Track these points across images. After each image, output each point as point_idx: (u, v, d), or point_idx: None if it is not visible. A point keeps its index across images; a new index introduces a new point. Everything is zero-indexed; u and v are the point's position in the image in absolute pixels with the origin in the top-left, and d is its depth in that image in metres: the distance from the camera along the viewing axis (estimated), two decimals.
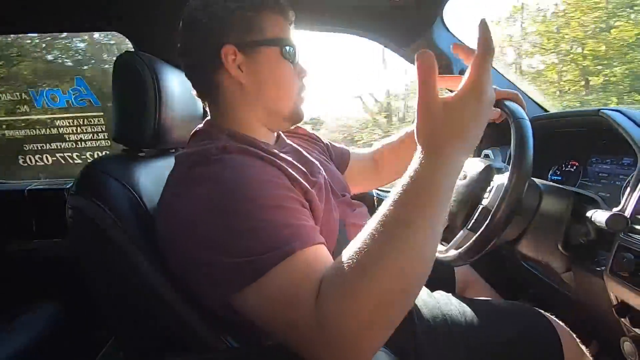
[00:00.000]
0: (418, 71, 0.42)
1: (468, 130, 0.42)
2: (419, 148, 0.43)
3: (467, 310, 0.72)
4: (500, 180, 0.69)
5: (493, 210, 0.63)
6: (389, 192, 1.41)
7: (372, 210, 1.42)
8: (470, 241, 0.66)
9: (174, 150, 0.81)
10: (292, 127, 0.72)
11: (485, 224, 0.64)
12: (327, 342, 0.39)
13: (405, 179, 0.41)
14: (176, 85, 0.72)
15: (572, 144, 0.96)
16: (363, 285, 0.38)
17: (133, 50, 1.14)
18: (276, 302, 0.43)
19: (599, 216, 0.62)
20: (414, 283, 0.40)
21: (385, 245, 0.39)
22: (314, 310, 0.40)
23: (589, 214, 0.65)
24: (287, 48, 0.62)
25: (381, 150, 0.98)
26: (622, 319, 0.65)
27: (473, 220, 0.70)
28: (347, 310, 0.38)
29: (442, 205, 0.41)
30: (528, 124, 0.63)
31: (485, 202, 0.69)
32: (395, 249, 0.38)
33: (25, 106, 1.85)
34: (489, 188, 0.71)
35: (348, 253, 0.41)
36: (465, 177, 0.79)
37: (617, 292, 0.63)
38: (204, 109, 0.84)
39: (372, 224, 0.41)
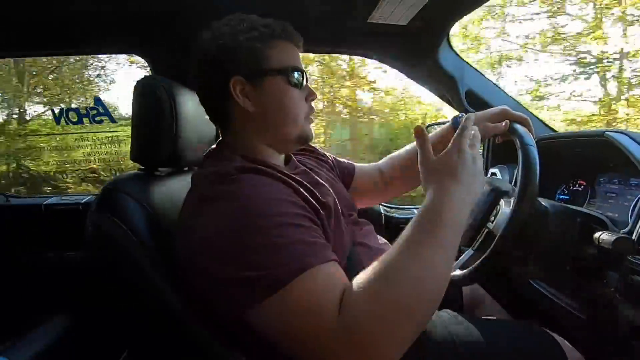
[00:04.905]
0: (416, 141, 0.61)
1: (457, 174, 0.54)
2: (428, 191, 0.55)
3: (475, 329, 0.71)
4: (506, 205, 0.70)
5: (497, 236, 0.64)
6: (396, 208, 1.43)
7: (379, 227, 1.43)
8: (476, 264, 0.67)
9: (187, 169, 0.84)
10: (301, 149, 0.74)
11: (490, 249, 0.64)
12: (351, 349, 0.42)
13: (420, 208, 0.52)
14: (192, 108, 0.75)
15: (580, 164, 0.96)
16: (387, 291, 0.44)
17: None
18: (296, 314, 0.45)
19: (606, 238, 0.62)
20: (430, 294, 0.46)
21: (406, 259, 0.46)
22: (337, 320, 0.43)
23: (596, 235, 0.65)
24: (295, 75, 0.63)
25: (389, 163, 0.98)
26: (634, 342, 0.64)
27: (479, 242, 0.71)
28: (373, 314, 0.43)
29: (449, 231, 0.50)
30: (535, 152, 0.64)
31: (490, 226, 0.70)
32: (414, 263, 0.46)
33: None
34: (494, 212, 0.72)
35: (372, 267, 0.47)
36: None
37: (628, 314, 0.62)
38: (217, 130, 0.87)
39: (395, 244, 0.49)
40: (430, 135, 0.91)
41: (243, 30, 0.62)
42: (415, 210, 1.39)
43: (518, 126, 0.74)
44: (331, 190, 0.68)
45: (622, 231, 0.65)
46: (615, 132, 0.76)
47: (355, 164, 0.98)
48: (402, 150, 0.96)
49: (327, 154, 0.93)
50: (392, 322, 0.43)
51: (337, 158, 0.95)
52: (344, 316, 0.43)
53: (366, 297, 0.44)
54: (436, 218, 0.50)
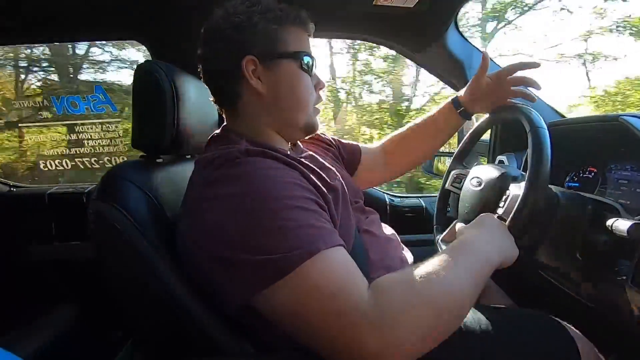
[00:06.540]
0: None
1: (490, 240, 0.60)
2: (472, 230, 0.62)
3: (483, 318, 0.71)
4: (516, 190, 0.68)
5: (507, 221, 0.62)
6: (400, 197, 1.42)
7: (384, 215, 1.43)
8: None
9: (189, 157, 0.83)
10: (307, 138, 0.73)
11: None
12: (379, 329, 0.43)
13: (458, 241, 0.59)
14: (193, 93, 0.73)
15: (590, 150, 0.94)
16: (421, 285, 0.47)
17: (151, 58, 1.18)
18: (312, 297, 0.45)
19: (620, 225, 0.61)
20: (455, 302, 0.49)
21: (439, 267, 0.49)
22: (366, 301, 0.44)
23: (609, 222, 0.63)
24: (306, 60, 0.63)
25: (392, 141, 0.99)
26: None
27: None
28: (405, 300, 0.45)
29: (478, 259, 0.55)
30: (546, 133, 0.62)
31: (500, 211, 0.69)
32: (445, 270, 0.49)
33: None
34: (504, 197, 0.71)
35: (417, 270, 0.49)
36: (480, 184, 0.78)
37: (639, 303, 0.61)
38: (219, 115, 0.85)
39: (433, 260, 0.52)
40: (430, 113, 0.93)
41: (258, 11, 0.61)
42: (421, 200, 1.40)
43: (527, 108, 0.72)
44: (338, 175, 0.67)
45: (635, 218, 0.64)
46: (631, 116, 0.74)
47: (360, 144, 0.98)
48: (405, 127, 0.98)
49: (332, 138, 0.91)
50: (420, 311, 0.45)
51: (342, 141, 0.94)
52: (378, 297, 0.45)
53: (402, 286, 0.46)
54: (469, 246, 0.57)
